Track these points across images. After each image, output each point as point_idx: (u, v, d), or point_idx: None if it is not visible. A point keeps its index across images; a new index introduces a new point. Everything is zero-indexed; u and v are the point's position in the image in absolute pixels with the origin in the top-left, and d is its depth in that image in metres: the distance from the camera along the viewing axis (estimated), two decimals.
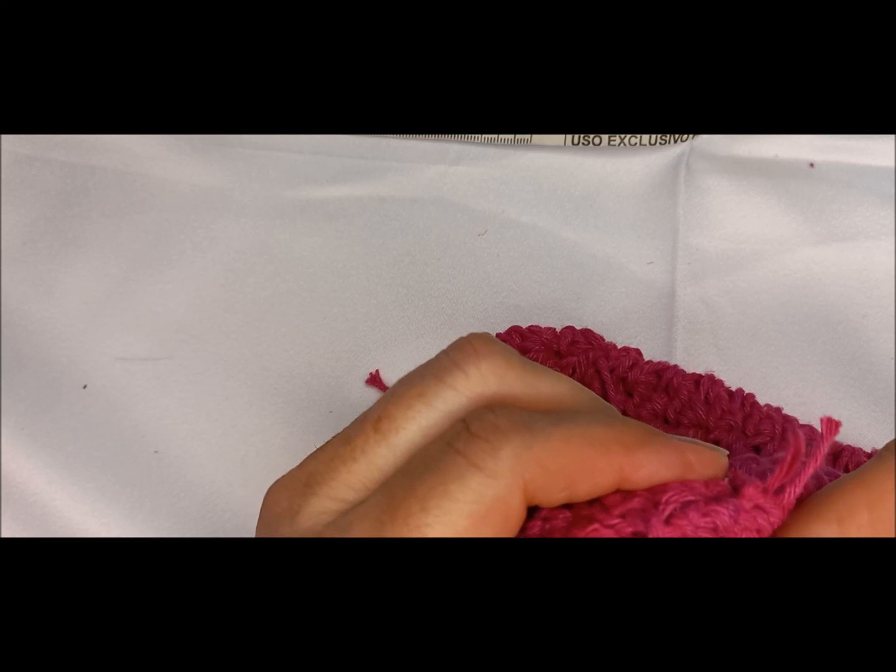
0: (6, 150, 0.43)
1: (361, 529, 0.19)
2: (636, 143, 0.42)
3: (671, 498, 0.20)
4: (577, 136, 0.42)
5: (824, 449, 0.20)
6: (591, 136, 0.42)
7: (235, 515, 0.34)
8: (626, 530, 0.19)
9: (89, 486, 0.34)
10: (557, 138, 0.42)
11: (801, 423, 0.32)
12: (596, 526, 0.20)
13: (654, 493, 0.20)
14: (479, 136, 0.42)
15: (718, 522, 0.20)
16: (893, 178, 0.39)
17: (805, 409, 0.32)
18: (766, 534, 0.20)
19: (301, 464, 0.21)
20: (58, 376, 0.37)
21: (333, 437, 0.21)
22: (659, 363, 0.32)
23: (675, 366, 0.32)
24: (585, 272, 0.39)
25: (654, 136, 0.42)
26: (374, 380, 0.36)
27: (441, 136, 0.43)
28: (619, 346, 0.33)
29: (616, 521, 0.20)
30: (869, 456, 0.31)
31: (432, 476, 0.19)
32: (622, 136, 0.42)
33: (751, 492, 0.20)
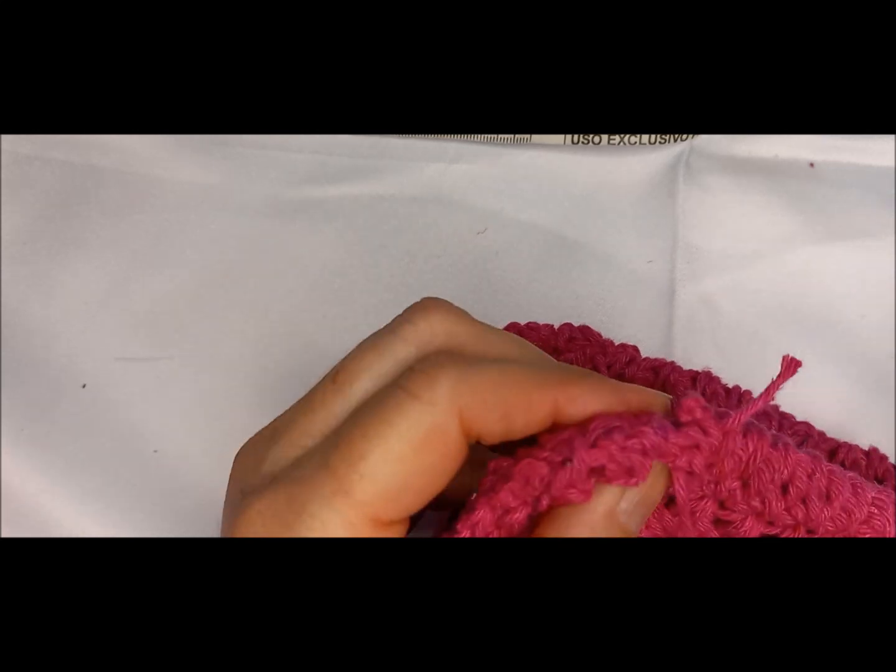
0: (6, 149, 0.43)
1: (310, 465, 0.20)
2: (636, 143, 0.42)
3: (597, 424, 0.20)
4: (576, 136, 0.42)
5: (779, 383, 0.21)
6: (591, 135, 0.42)
7: None
8: (556, 459, 0.20)
9: (88, 485, 0.34)
10: (557, 137, 0.42)
11: (797, 420, 0.32)
12: (529, 460, 0.20)
13: (584, 425, 0.21)
14: (479, 135, 0.42)
15: (646, 442, 0.20)
16: (893, 178, 0.39)
17: (803, 408, 0.32)
18: (704, 452, 0.20)
19: (268, 424, 0.23)
20: (57, 376, 0.37)
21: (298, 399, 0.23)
22: (656, 360, 0.32)
23: (672, 362, 0.32)
24: (585, 271, 0.39)
25: (653, 136, 0.42)
26: None
27: (441, 136, 0.43)
28: (617, 343, 0.33)
29: (546, 452, 0.20)
30: (865, 453, 0.31)
31: (373, 409, 0.20)
32: (622, 135, 0.42)
33: (689, 404, 0.20)
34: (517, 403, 0.20)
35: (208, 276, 0.40)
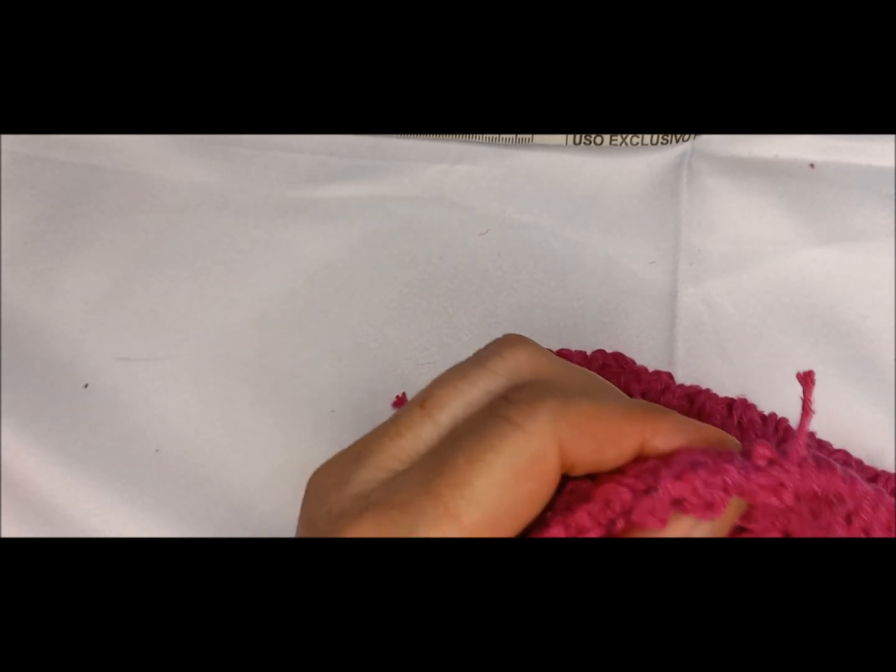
0: (6, 149, 0.43)
1: (410, 488, 0.20)
2: (638, 143, 0.42)
3: (682, 458, 0.21)
4: (578, 136, 0.42)
5: (809, 401, 0.22)
6: (593, 135, 0.42)
7: (237, 515, 0.34)
8: (640, 487, 0.20)
9: (90, 484, 0.34)
10: (559, 138, 0.42)
11: (834, 447, 0.32)
12: (613, 485, 0.21)
13: (668, 458, 0.21)
14: (481, 135, 0.42)
15: (728, 479, 0.20)
16: (893, 179, 0.39)
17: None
18: (791, 490, 0.21)
19: (349, 447, 0.22)
20: (59, 375, 0.37)
21: (381, 424, 0.23)
22: (691, 387, 0.32)
23: (708, 390, 0.32)
24: (587, 272, 0.39)
25: (655, 136, 0.42)
26: (401, 402, 0.35)
27: (442, 136, 0.43)
28: (651, 370, 0.33)
29: (630, 479, 0.21)
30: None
31: (476, 436, 0.20)
32: (624, 135, 0.42)
33: (761, 450, 0.21)
34: (610, 435, 0.21)
35: (208, 276, 0.40)
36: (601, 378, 0.24)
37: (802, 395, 0.21)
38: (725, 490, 0.20)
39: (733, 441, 0.22)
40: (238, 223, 0.41)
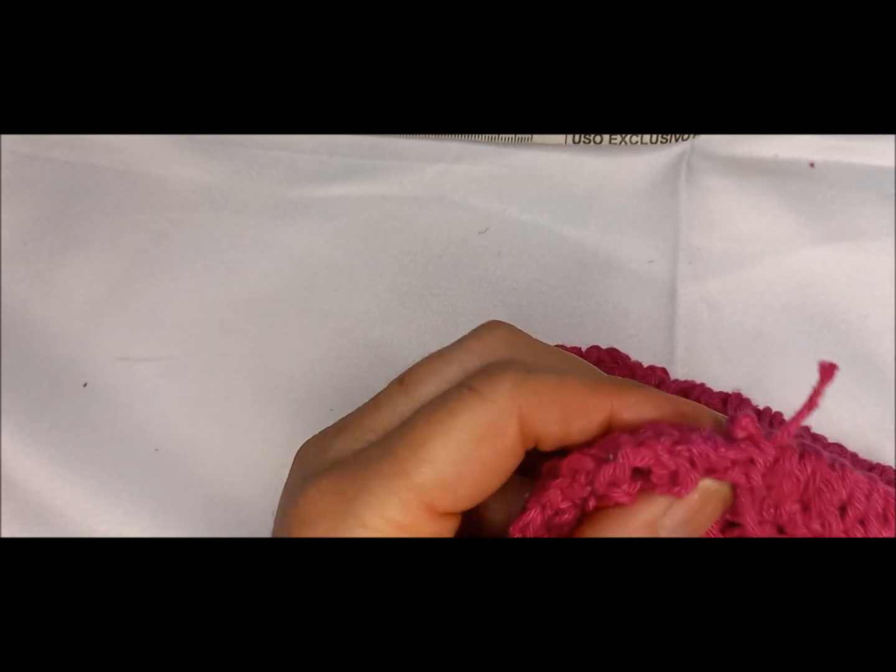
0: (6, 149, 0.43)
1: (374, 451, 0.21)
2: (637, 142, 0.42)
3: (648, 428, 0.21)
4: (578, 135, 0.42)
5: (820, 391, 0.21)
6: (592, 134, 0.42)
7: (236, 514, 0.34)
8: (601, 455, 0.20)
9: (90, 484, 0.34)
10: (558, 137, 0.42)
11: (829, 441, 0.32)
12: (576, 454, 0.21)
13: (635, 429, 0.21)
14: (481, 134, 0.42)
15: (694, 450, 0.20)
16: (893, 178, 0.39)
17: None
18: (760, 469, 0.20)
19: (333, 423, 0.24)
20: (58, 375, 0.37)
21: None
22: (685, 382, 0.32)
23: (702, 384, 0.32)
24: (586, 271, 0.39)
25: (655, 136, 0.42)
26: None
27: (442, 135, 0.43)
28: (646, 364, 0.33)
29: (594, 450, 0.21)
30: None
31: (440, 402, 0.21)
32: (623, 135, 0.42)
33: (745, 421, 0.20)
34: (574, 406, 0.21)
35: (209, 276, 0.40)
36: (579, 358, 0.24)
37: (815, 386, 0.21)
38: (691, 461, 0.20)
39: (714, 415, 0.22)
40: (238, 223, 0.41)
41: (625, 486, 0.20)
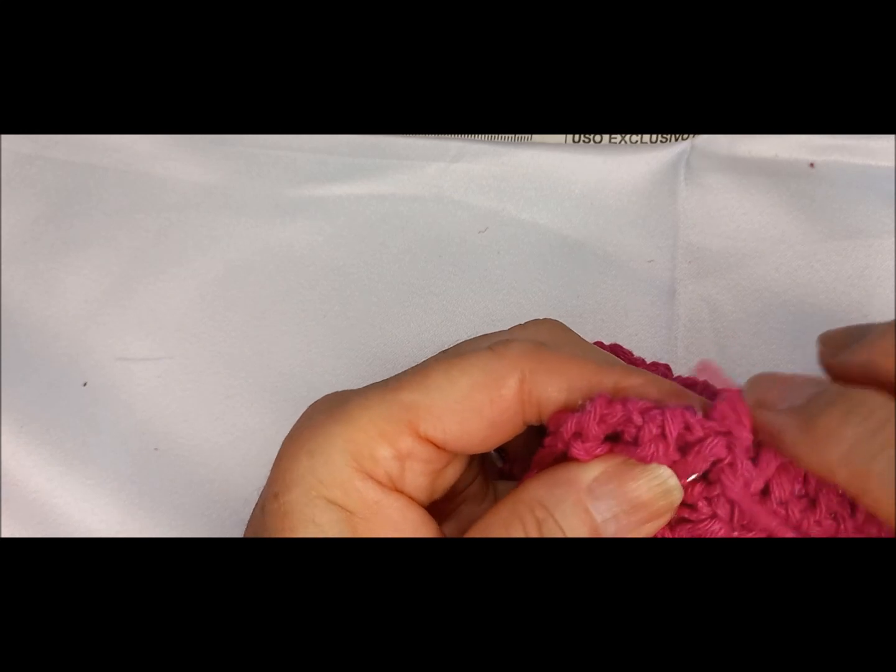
0: (7, 149, 0.43)
1: (391, 378, 0.23)
2: (637, 142, 0.42)
3: (635, 399, 0.21)
4: (577, 135, 0.42)
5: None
6: (592, 134, 0.42)
7: (235, 513, 0.34)
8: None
9: (89, 483, 0.34)
10: (558, 137, 0.42)
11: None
12: (563, 412, 0.21)
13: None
14: (480, 134, 0.42)
15: (668, 414, 0.20)
16: (893, 178, 0.39)
17: None
18: (743, 443, 0.20)
19: None
20: (58, 374, 0.37)
21: None
22: (688, 378, 0.32)
23: (704, 381, 0.32)
24: (586, 270, 0.39)
25: (654, 135, 0.42)
26: None
27: (441, 135, 0.43)
28: (649, 361, 0.33)
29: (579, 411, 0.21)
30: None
31: (455, 350, 0.23)
32: (623, 134, 0.42)
33: (731, 394, 0.21)
34: (578, 377, 0.22)
35: (208, 275, 0.40)
36: (610, 354, 0.25)
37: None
38: (663, 433, 0.20)
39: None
40: (238, 223, 0.41)
41: (588, 444, 0.20)
